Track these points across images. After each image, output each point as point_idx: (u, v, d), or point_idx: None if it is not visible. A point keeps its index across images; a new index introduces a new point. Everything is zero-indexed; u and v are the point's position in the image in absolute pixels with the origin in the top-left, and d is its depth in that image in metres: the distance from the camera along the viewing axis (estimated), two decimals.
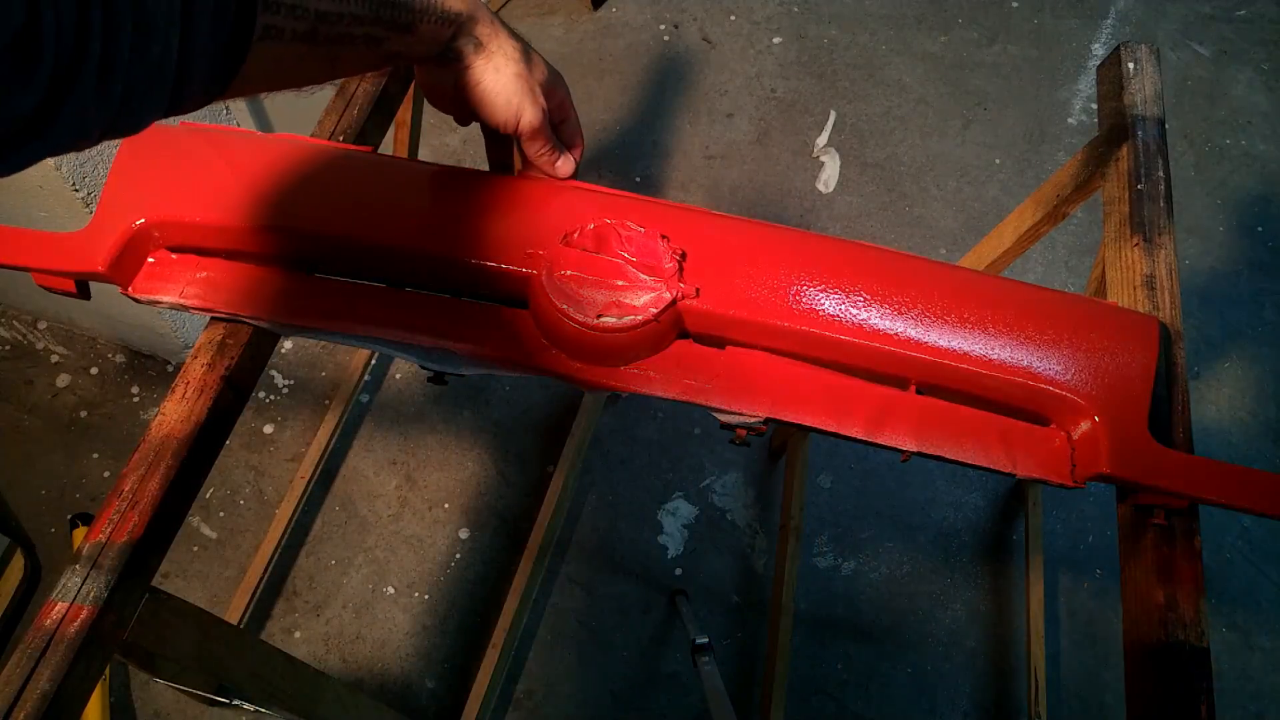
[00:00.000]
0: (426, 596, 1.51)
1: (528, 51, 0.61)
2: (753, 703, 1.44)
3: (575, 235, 0.63)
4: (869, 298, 0.62)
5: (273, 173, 0.67)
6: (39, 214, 1.36)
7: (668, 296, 0.61)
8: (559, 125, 0.67)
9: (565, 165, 0.68)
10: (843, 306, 0.62)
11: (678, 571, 1.55)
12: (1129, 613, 0.62)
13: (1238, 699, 1.47)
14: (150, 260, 0.68)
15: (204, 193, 0.66)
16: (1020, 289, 0.65)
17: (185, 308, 0.68)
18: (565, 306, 0.60)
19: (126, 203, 0.66)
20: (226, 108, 1.44)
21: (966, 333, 0.62)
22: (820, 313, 0.62)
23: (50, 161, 1.22)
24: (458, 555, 1.55)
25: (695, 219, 0.65)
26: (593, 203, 0.66)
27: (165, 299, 0.67)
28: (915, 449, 0.62)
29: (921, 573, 1.57)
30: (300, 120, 1.57)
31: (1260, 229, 1.99)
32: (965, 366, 0.61)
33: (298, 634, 1.48)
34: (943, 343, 0.61)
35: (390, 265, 0.66)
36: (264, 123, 1.57)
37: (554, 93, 0.64)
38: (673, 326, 0.63)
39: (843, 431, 0.62)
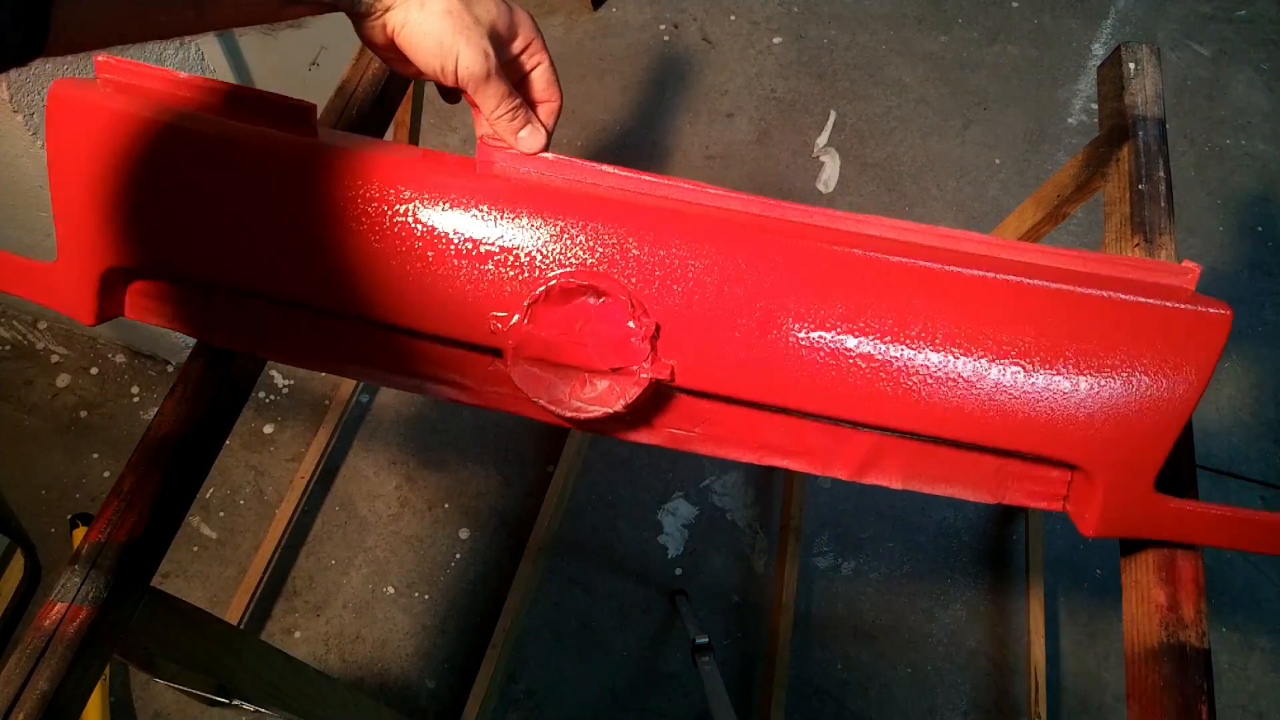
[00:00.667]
0: (426, 596, 1.51)
1: None
2: (753, 703, 1.44)
3: (538, 301, 0.55)
4: (864, 367, 0.54)
5: (222, 202, 0.58)
6: (39, 214, 1.36)
7: (637, 391, 0.56)
8: (526, 75, 0.58)
9: (531, 137, 0.57)
10: (840, 382, 0.55)
11: (678, 571, 1.55)
12: (1129, 613, 0.62)
13: (1237, 699, 1.47)
14: (133, 287, 0.66)
15: (147, 225, 0.59)
16: (1053, 301, 0.53)
17: (177, 330, 0.67)
18: (536, 399, 0.57)
19: (81, 241, 0.60)
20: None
21: (963, 398, 0.54)
22: (813, 391, 0.55)
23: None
24: (458, 555, 1.55)
25: (671, 260, 0.55)
26: (559, 239, 0.55)
27: (157, 324, 0.67)
28: (901, 488, 0.61)
29: (921, 573, 1.56)
30: None
31: (1260, 229, 1.99)
32: (955, 435, 0.55)
33: (298, 634, 1.48)
34: (939, 414, 0.55)
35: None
36: None
37: (511, 34, 0.55)
38: (649, 400, 0.59)
39: (828, 474, 0.62)
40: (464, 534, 1.57)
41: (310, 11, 0.51)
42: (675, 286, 0.55)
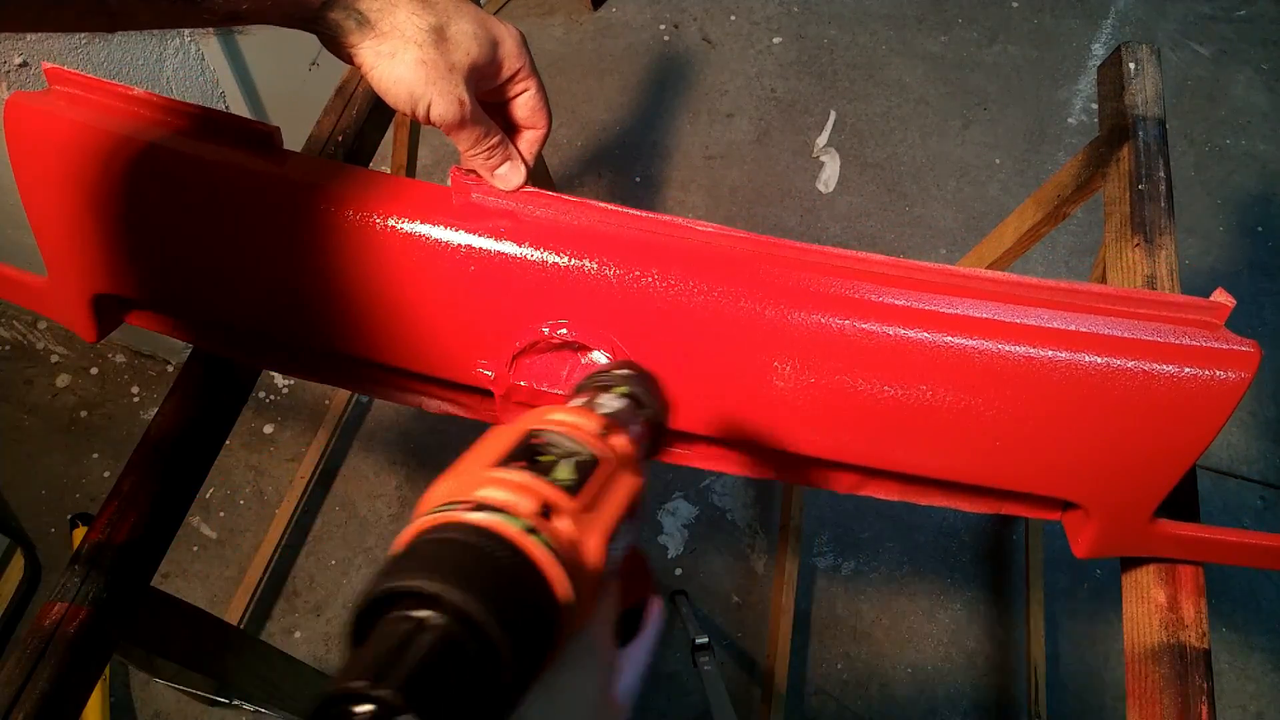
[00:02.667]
0: None
1: (439, 27, 0.47)
2: (753, 703, 1.44)
3: (523, 353, 0.54)
4: (856, 423, 0.53)
5: (190, 238, 0.55)
6: None
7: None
8: (511, 100, 0.54)
9: (509, 173, 0.54)
10: (825, 430, 0.53)
11: (678, 571, 1.55)
12: (1129, 613, 0.62)
13: (1238, 699, 1.47)
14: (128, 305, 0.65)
15: (122, 254, 0.57)
16: (1066, 372, 0.49)
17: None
18: None
19: (69, 268, 0.59)
20: (226, 107, 1.44)
21: (964, 450, 0.52)
22: (799, 440, 0.54)
23: None
24: None
25: (656, 298, 0.52)
26: (536, 282, 0.52)
27: (158, 331, 0.67)
28: (898, 499, 0.62)
29: (921, 573, 1.56)
30: (300, 118, 1.56)
31: (1260, 229, 1.99)
32: (955, 478, 0.54)
33: (298, 634, 1.48)
34: (940, 467, 0.53)
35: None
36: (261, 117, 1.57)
37: (495, 68, 0.51)
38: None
39: (825, 489, 0.62)
40: None
41: (256, 21, 0.48)
42: (660, 335, 0.53)
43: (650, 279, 0.52)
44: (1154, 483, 0.51)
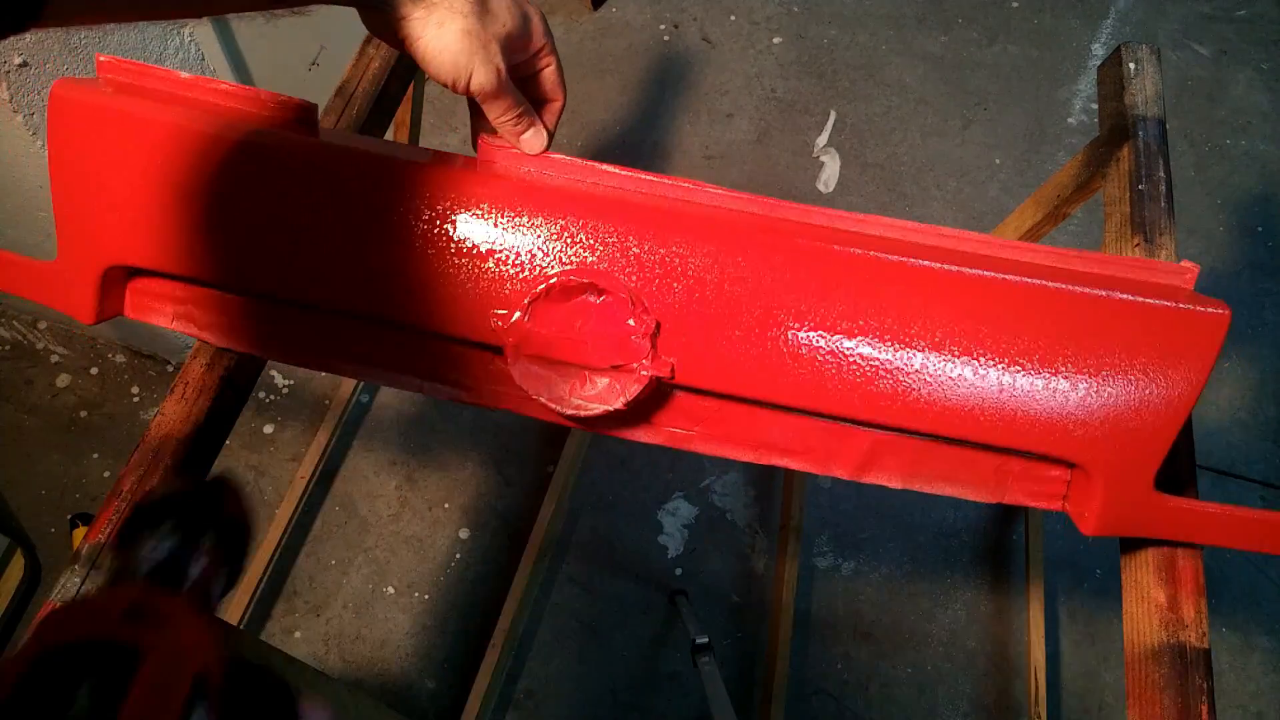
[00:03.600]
0: (426, 596, 1.51)
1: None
2: (753, 703, 1.44)
3: (539, 298, 0.55)
4: (864, 368, 0.55)
5: (221, 201, 0.58)
6: (39, 214, 1.36)
7: (637, 387, 0.56)
8: (535, 76, 0.58)
9: (534, 139, 0.59)
10: (839, 379, 0.55)
11: (678, 571, 1.55)
12: (1129, 613, 0.62)
13: (1237, 699, 1.47)
14: (134, 285, 0.66)
15: (151, 224, 0.59)
16: (1052, 300, 0.53)
17: (178, 330, 0.67)
18: (536, 396, 0.57)
19: (84, 239, 0.61)
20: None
21: (966, 395, 0.54)
22: (807, 387, 0.56)
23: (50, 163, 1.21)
24: (458, 555, 1.55)
25: (671, 249, 0.55)
26: (555, 234, 0.56)
27: (157, 323, 0.67)
28: (901, 487, 0.61)
29: (921, 573, 1.56)
30: None
31: (1260, 229, 1.99)
32: (957, 433, 0.56)
33: (298, 634, 1.48)
34: (942, 410, 0.55)
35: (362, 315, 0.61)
36: None
37: (525, 41, 0.55)
38: (650, 398, 0.59)
39: (828, 474, 0.62)
40: (464, 534, 1.57)
41: (318, 1, 0.52)
42: (675, 285, 0.55)
43: (670, 245, 0.55)
44: (1149, 439, 0.53)
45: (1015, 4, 2.34)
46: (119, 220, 0.59)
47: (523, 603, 1.43)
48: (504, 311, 0.56)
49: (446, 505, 1.59)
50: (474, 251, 0.56)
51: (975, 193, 2.01)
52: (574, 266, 0.55)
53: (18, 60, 1.09)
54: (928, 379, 0.54)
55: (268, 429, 1.65)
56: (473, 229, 0.55)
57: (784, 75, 2.18)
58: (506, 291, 0.56)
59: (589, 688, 1.45)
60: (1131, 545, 0.64)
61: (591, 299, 0.55)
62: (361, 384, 1.66)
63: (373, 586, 1.52)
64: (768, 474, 1.64)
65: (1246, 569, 1.58)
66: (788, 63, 2.21)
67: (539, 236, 0.55)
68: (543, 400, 0.57)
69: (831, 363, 0.55)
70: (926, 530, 1.60)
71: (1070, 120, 2.13)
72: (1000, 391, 0.54)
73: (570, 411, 0.57)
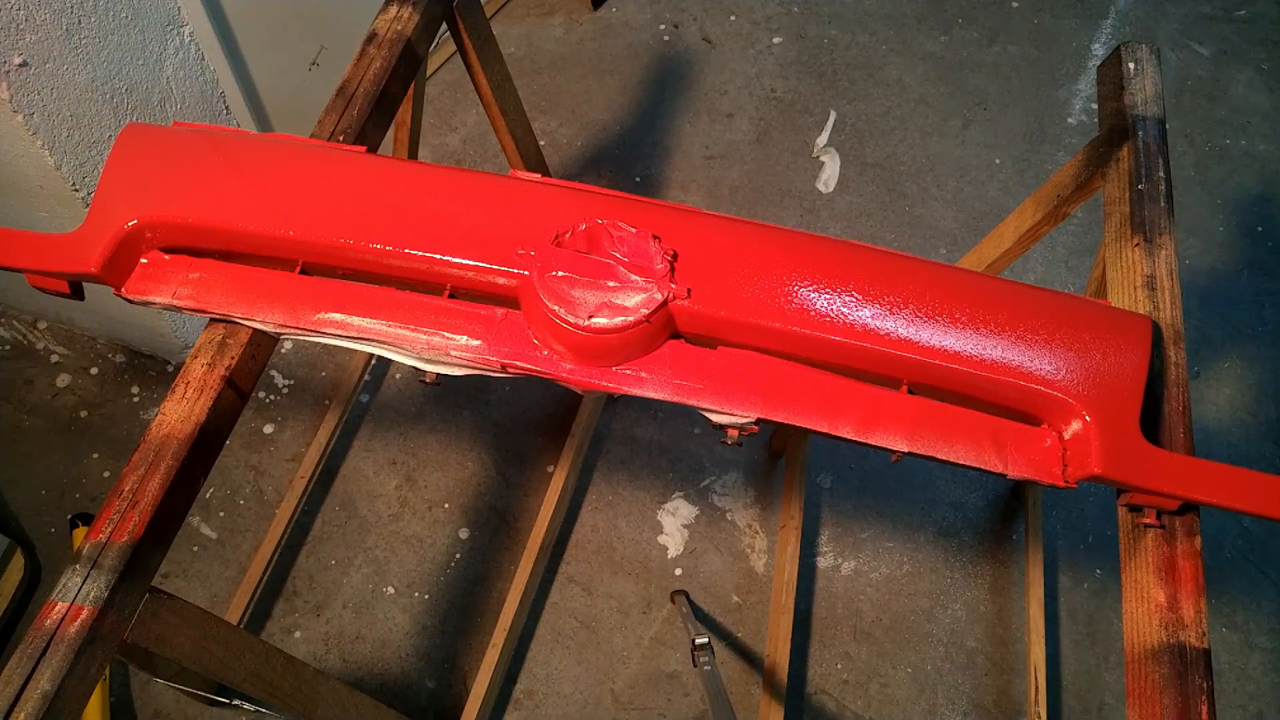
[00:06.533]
0: (426, 596, 1.51)
1: None
2: (753, 703, 1.44)
3: (567, 236, 0.63)
4: (860, 298, 0.63)
5: (264, 174, 0.67)
6: (40, 214, 1.36)
7: (659, 297, 0.61)
8: None
9: None
10: (834, 306, 0.63)
11: (678, 571, 1.55)
12: (1129, 613, 0.62)
13: (1237, 699, 1.47)
14: (143, 261, 0.68)
15: (196, 193, 0.67)
16: (1012, 289, 0.66)
17: (178, 308, 0.68)
18: (556, 308, 0.60)
19: (119, 203, 0.67)
20: (226, 108, 1.44)
21: (957, 332, 0.63)
22: (811, 313, 0.62)
23: (50, 162, 1.21)
24: (458, 555, 1.55)
25: (686, 219, 0.66)
26: (584, 203, 0.66)
27: (158, 300, 0.67)
28: (906, 449, 0.62)
29: (921, 573, 1.56)
30: (300, 119, 1.56)
31: (1260, 229, 1.99)
32: (956, 366, 0.62)
33: (298, 634, 1.48)
34: (933, 342, 0.62)
35: (383, 266, 0.67)
36: (263, 122, 1.57)
37: None
38: (664, 327, 0.63)
39: (834, 432, 0.63)
40: (464, 534, 1.57)
41: None
42: (690, 240, 0.65)
43: (684, 218, 0.67)
44: (1124, 382, 0.63)
45: (1015, 4, 2.34)
46: (162, 184, 0.68)
47: (522, 603, 1.43)
48: (527, 249, 0.64)
49: (446, 505, 1.59)
50: (511, 203, 0.67)
51: (975, 192, 2.01)
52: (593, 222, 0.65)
53: (18, 60, 1.09)
54: (917, 332, 0.64)
55: (268, 429, 1.65)
56: (507, 192, 0.67)
57: (784, 75, 2.18)
58: (534, 234, 0.65)
59: (589, 688, 1.45)
60: (1132, 544, 0.64)
61: (614, 231, 0.63)
62: (362, 384, 1.66)
63: (373, 586, 1.52)
64: (768, 474, 1.64)
65: (1247, 569, 1.58)
66: (788, 63, 2.21)
67: (568, 201, 0.67)
68: (560, 314, 0.61)
69: (830, 304, 0.64)
70: (926, 530, 1.60)
71: (1070, 120, 2.13)
72: (984, 343, 0.64)
73: (588, 323, 0.61)
